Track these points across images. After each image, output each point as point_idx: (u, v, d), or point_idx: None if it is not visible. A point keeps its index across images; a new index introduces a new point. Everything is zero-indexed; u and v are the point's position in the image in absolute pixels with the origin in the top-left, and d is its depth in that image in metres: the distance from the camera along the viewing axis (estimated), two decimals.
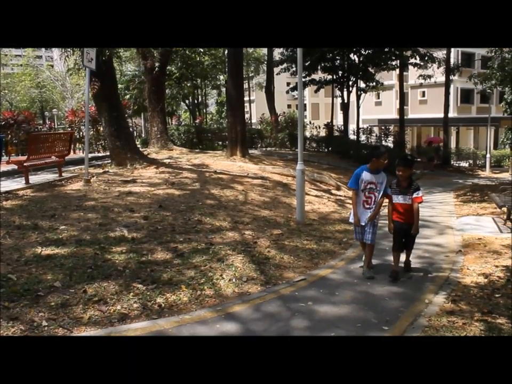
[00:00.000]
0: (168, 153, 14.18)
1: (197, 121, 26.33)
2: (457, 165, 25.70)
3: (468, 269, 5.07)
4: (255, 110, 40.85)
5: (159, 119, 15.54)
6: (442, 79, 23.13)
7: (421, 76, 21.00)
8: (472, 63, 31.56)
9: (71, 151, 11.22)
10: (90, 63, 8.50)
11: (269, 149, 20.41)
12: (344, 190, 10.84)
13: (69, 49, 10.69)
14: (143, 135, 22.86)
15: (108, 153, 12.32)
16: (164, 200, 7.34)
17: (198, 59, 25.65)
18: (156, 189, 8.09)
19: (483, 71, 23.15)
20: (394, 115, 32.83)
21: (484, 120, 27.36)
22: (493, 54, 19.49)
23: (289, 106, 43.17)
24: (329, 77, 20.75)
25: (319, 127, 22.33)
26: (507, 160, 26.05)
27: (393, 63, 20.07)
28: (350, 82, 20.51)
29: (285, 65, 20.59)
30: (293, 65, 19.61)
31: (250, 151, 15.01)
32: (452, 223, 7.80)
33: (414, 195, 4.62)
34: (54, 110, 41.19)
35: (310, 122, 25.44)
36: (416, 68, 20.59)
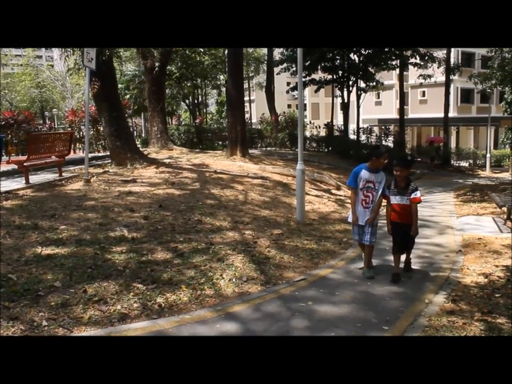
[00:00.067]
0: (168, 153, 14.19)
1: (197, 121, 26.33)
2: (457, 164, 25.69)
3: (468, 268, 5.07)
4: (255, 110, 40.85)
5: (159, 119, 15.54)
6: (442, 78, 23.12)
7: (421, 75, 20.99)
8: (472, 62, 31.55)
9: (71, 151, 11.22)
10: (90, 63, 8.50)
11: (269, 148, 20.41)
12: (344, 190, 10.84)
13: (69, 49, 10.69)
14: (143, 135, 22.86)
15: (108, 153, 12.32)
16: (164, 200, 7.35)
17: (198, 59, 25.66)
18: (156, 189, 8.09)
19: (483, 71, 23.14)
20: (395, 115, 32.83)
21: (484, 120, 27.35)
22: (493, 53, 19.49)
23: (289, 106, 43.17)
24: (329, 76, 20.75)
25: (319, 127, 22.32)
26: (507, 160, 26.04)
27: (393, 63, 20.07)
28: (350, 82, 20.50)
29: (285, 65, 20.59)
30: (293, 65, 19.61)
31: (250, 151, 15.01)
32: (452, 223, 7.80)
33: (412, 196, 4.59)
34: (54, 110, 41.19)
35: (310, 122, 25.44)
36: (416, 68, 20.59)
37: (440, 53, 20.72)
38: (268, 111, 24.23)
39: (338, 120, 33.79)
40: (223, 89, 31.65)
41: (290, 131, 20.89)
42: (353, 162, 15.21)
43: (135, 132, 23.17)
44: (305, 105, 46.01)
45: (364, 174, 4.73)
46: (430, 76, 20.82)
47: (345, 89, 20.70)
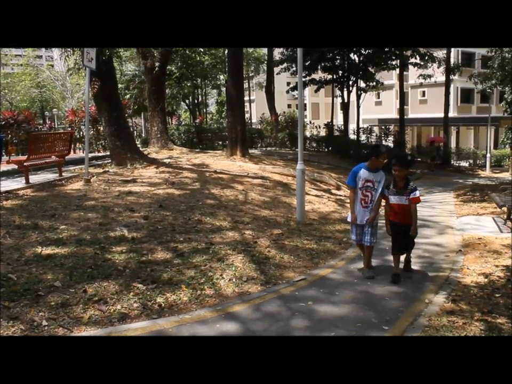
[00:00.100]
0: (168, 153, 14.19)
1: (197, 121, 26.33)
2: (457, 164, 25.69)
3: (468, 268, 5.07)
4: (255, 109, 40.84)
5: (159, 118, 15.54)
6: (442, 78, 23.11)
7: (421, 75, 20.99)
8: (472, 62, 31.53)
9: (71, 150, 11.22)
10: (90, 63, 8.50)
11: (269, 148, 20.41)
12: (344, 190, 10.83)
13: (69, 49, 10.69)
14: (143, 135, 22.86)
15: (108, 153, 12.32)
16: (164, 199, 7.35)
17: (198, 59, 25.67)
18: (156, 189, 8.09)
19: (483, 71, 23.13)
20: (395, 115, 32.82)
21: (484, 120, 27.34)
22: (493, 53, 19.48)
23: (289, 106, 43.15)
24: (329, 76, 20.73)
25: (319, 127, 22.32)
26: (507, 160, 26.04)
27: (393, 62, 20.06)
28: (350, 82, 20.50)
29: (285, 65, 20.58)
30: (293, 65, 19.60)
31: (250, 151, 15.01)
32: (452, 223, 7.80)
33: (411, 195, 4.57)
34: (54, 109, 41.17)
35: (310, 122, 25.44)
36: (416, 68, 20.58)
37: (440, 53, 20.71)
38: (268, 111, 24.23)
39: (338, 120, 33.79)
40: (223, 89, 31.66)
41: (290, 131, 20.89)
42: (353, 162, 15.18)
43: (135, 132, 23.19)
44: (305, 105, 46.00)
45: (363, 173, 4.72)
46: (430, 76, 20.81)
47: (345, 89, 20.70)
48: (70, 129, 16.44)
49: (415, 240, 4.90)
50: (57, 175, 9.03)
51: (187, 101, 32.85)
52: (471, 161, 27.23)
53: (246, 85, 30.40)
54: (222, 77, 30.06)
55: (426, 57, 19.57)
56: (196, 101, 33.22)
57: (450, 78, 23.38)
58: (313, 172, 12.26)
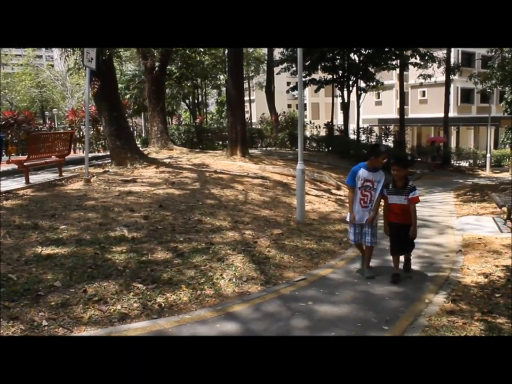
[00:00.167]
0: (168, 153, 14.19)
1: (197, 120, 26.33)
2: (457, 164, 25.70)
3: (468, 268, 5.06)
4: (255, 109, 40.83)
5: (159, 118, 15.55)
6: (442, 78, 23.11)
7: (421, 75, 21.00)
8: (472, 62, 31.52)
9: (71, 150, 11.22)
10: (91, 63, 8.50)
11: (269, 148, 20.41)
12: (344, 190, 10.83)
13: (69, 49, 10.70)
14: (143, 135, 22.87)
15: (108, 153, 12.32)
16: (164, 199, 7.35)
17: (198, 59, 25.67)
18: (156, 189, 8.09)
19: (483, 71, 23.12)
20: (395, 115, 32.82)
21: (484, 120, 27.35)
22: (493, 53, 19.48)
23: (289, 106, 43.16)
24: (330, 76, 20.73)
25: (319, 127, 22.31)
26: (507, 159, 26.04)
27: (393, 62, 20.06)
28: (350, 82, 20.49)
29: (285, 64, 20.58)
30: (293, 65, 19.60)
31: (250, 151, 15.00)
32: (452, 223, 7.80)
33: (410, 195, 4.53)
34: (54, 109, 41.16)
35: (310, 122, 25.43)
36: (416, 68, 20.58)
37: (440, 53, 20.71)
38: (268, 111, 24.23)
39: (339, 120, 33.78)
40: (223, 89, 31.66)
41: (290, 131, 20.88)
42: (353, 162, 15.15)
43: (135, 132, 23.19)
44: (305, 105, 46.00)
45: (363, 173, 4.69)
46: (430, 76, 20.82)
47: (345, 89, 20.69)
48: (70, 129, 16.44)
49: (415, 240, 4.89)
50: (57, 175, 9.03)
51: (187, 101, 32.86)
52: (471, 161, 27.24)
53: (246, 85, 30.40)
54: (222, 76, 30.06)
55: (426, 57, 19.58)
56: (196, 101, 33.22)
57: (450, 78, 23.39)
58: (313, 171, 12.27)
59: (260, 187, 9.43)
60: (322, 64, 19.85)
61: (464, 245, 6.17)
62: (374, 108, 36.91)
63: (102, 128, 13.61)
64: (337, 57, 19.96)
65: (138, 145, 14.59)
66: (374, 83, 20.13)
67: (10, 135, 14.44)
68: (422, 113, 34.51)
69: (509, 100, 23.37)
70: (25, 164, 8.04)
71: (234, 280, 4.42)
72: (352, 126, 23.24)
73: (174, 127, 20.76)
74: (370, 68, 19.96)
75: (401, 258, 4.89)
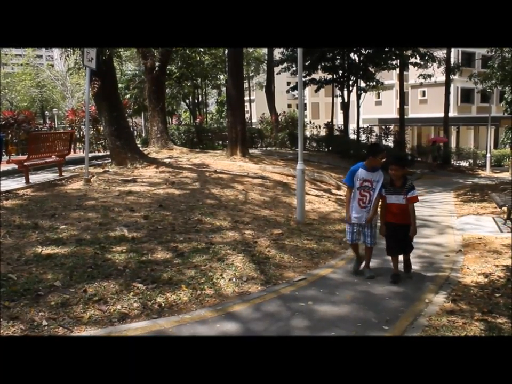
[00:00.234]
0: (169, 153, 14.19)
1: (197, 120, 26.33)
2: (457, 164, 25.71)
3: (468, 268, 5.06)
4: (255, 109, 40.83)
5: (159, 118, 15.55)
6: (442, 78, 23.11)
7: (421, 75, 21.00)
8: (472, 62, 31.53)
9: (71, 150, 11.22)
10: (91, 63, 8.50)
11: (269, 148, 20.41)
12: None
13: (69, 49, 10.70)
14: (144, 135, 22.87)
15: (108, 153, 12.33)
16: (164, 199, 7.35)
17: (198, 58, 25.68)
18: (156, 189, 8.09)
19: (483, 71, 23.13)
20: (395, 115, 32.81)
21: (484, 120, 27.35)
22: (493, 53, 19.49)
23: (289, 105, 43.16)
24: (330, 76, 20.75)
25: (319, 127, 22.31)
26: (507, 159, 26.04)
27: (393, 62, 20.07)
28: (350, 82, 20.50)
29: (285, 64, 20.59)
30: (293, 65, 19.60)
31: (250, 151, 15.01)
32: (452, 223, 7.80)
33: (409, 195, 4.50)
34: (54, 109, 41.15)
35: (310, 122, 25.43)
36: (416, 68, 20.59)
37: (440, 53, 20.71)
38: (268, 111, 24.23)
39: (339, 120, 33.79)
40: (223, 89, 31.67)
41: (290, 131, 20.88)
42: (353, 162, 15.21)
43: (135, 132, 23.20)
44: (305, 105, 46.00)
45: (361, 173, 4.67)
46: (430, 76, 20.83)
47: (345, 89, 20.70)
48: (70, 129, 16.45)
49: (415, 240, 4.87)
50: (57, 174, 9.03)
51: (187, 101, 32.87)
52: (471, 161, 27.24)
53: (246, 85, 30.40)
54: (222, 76, 30.07)
55: (426, 57, 19.58)
56: (196, 101, 33.23)
57: (451, 77, 23.39)
58: (313, 171, 12.27)
59: (260, 187, 9.43)
60: (322, 64, 19.86)
61: (464, 244, 6.17)
62: (374, 108, 36.91)
63: (102, 128, 13.62)
64: (337, 57, 19.97)
65: (138, 145, 14.59)
66: (374, 83, 20.14)
67: (10, 135, 14.45)
68: (422, 113, 34.51)
69: (509, 100, 23.38)
70: (25, 163, 8.04)
71: (234, 280, 4.42)
72: (352, 126, 23.25)
73: (174, 127, 20.78)
74: (370, 68, 19.97)
75: (401, 258, 4.88)
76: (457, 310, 3.85)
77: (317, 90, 22.59)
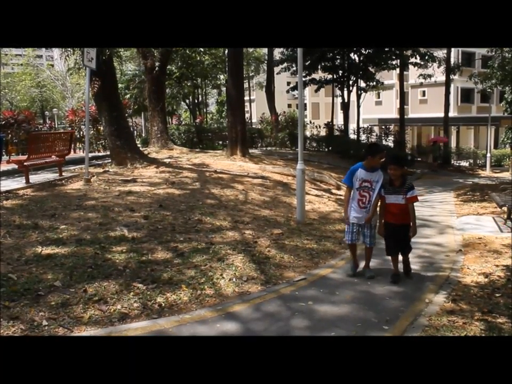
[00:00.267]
0: (169, 153, 14.19)
1: (197, 120, 26.33)
2: (457, 164, 25.70)
3: (468, 268, 5.06)
4: (255, 109, 40.81)
5: (159, 118, 15.55)
6: (442, 78, 23.11)
7: (421, 75, 20.99)
8: (472, 62, 31.52)
9: (71, 150, 11.22)
10: (91, 63, 8.50)
11: (269, 148, 20.40)
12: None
13: (69, 49, 10.70)
14: (144, 135, 22.86)
15: (108, 153, 12.32)
16: (164, 199, 7.35)
17: (198, 58, 25.68)
18: (156, 189, 8.09)
19: (483, 71, 23.13)
20: (395, 114, 32.80)
21: (484, 120, 27.35)
22: (493, 53, 19.49)
23: (289, 105, 43.13)
24: (330, 76, 20.74)
25: (320, 127, 22.30)
26: (507, 159, 26.05)
27: (394, 62, 20.06)
28: (350, 82, 20.49)
29: (285, 64, 20.58)
30: (293, 65, 19.60)
31: (250, 151, 15.01)
32: (452, 223, 7.80)
33: (408, 195, 4.47)
34: (54, 109, 41.13)
35: (310, 122, 25.41)
36: (416, 67, 20.58)
37: (440, 53, 20.71)
38: (268, 111, 24.22)
39: (339, 120, 33.78)
40: (223, 88, 31.65)
41: (290, 131, 20.87)
42: (353, 162, 15.21)
43: (135, 132, 23.19)
44: (305, 105, 46.00)
45: (361, 173, 4.65)
46: (430, 76, 20.81)
47: (345, 89, 20.69)
48: (70, 129, 16.45)
49: (415, 240, 4.87)
50: (57, 174, 9.03)
51: (187, 101, 32.86)
52: (471, 161, 27.25)
53: (246, 85, 30.38)
54: (222, 76, 30.06)
55: (426, 57, 19.57)
56: (196, 101, 33.22)
57: (451, 77, 23.39)
58: (314, 171, 12.27)
59: (260, 187, 9.43)
60: (322, 64, 19.85)
61: (464, 244, 6.17)
62: (374, 108, 36.90)
63: (102, 128, 13.61)
64: (337, 57, 19.96)
65: (138, 145, 14.59)
66: (374, 83, 20.13)
67: (10, 135, 14.45)
68: (422, 113, 34.50)
69: (509, 100, 23.38)
70: (25, 163, 8.04)
71: (234, 280, 4.42)
72: (352, 126, 23.24)
73: (174, 127, 20.77)
74: (370, 68, 19.96)
75: (400, 258, 4.87)
76: (457, 310, 3.85)
77: (317, 90, 22.59)
